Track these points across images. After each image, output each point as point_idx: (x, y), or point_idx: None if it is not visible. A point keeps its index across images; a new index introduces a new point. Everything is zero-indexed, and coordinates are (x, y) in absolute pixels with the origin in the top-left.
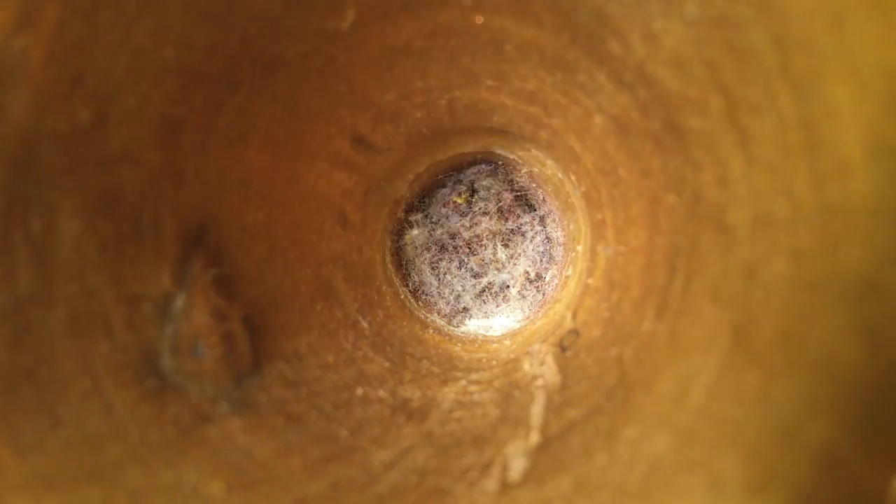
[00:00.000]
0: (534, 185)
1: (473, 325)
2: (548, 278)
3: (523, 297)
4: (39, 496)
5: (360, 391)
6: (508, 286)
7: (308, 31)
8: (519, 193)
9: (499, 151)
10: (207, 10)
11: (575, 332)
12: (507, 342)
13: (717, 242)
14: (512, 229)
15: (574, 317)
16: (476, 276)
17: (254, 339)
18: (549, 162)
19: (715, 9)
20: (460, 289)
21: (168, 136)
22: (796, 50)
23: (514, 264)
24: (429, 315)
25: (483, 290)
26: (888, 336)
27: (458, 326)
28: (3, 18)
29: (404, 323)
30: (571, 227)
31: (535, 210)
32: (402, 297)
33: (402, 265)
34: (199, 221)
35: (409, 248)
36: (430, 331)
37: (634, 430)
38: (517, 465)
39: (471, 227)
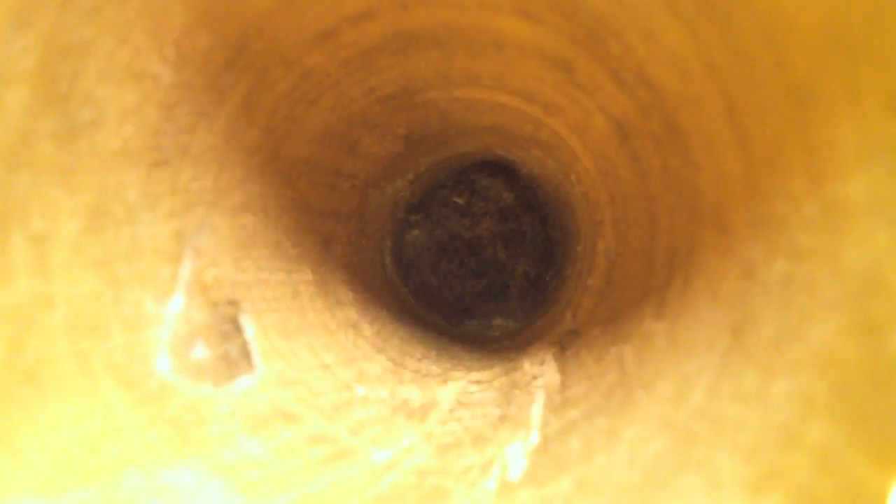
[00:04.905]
0: (533, 186)
1: (473, 325)
2: (548, 278)
3: (523, 297)
4: (39, 497)
5: (360, 391)
6: (508, 286)
7: (304, 34)
8: (519, 193)
9: (498, 151)
10: (207, 11)
11: (575, 332)
12: (507, 342)
13: (717, 242)
14: (512, 229)
15: (574, 317)
16: (476, 276)
17: (253, 339)
18: (549, 162)
19: (714, 9)
20: (460, 289)
21: (166, 136)
22: (795, 49)
23: (514, 264)
24: (429, 315)
25: (483, 290)
26: (888, 336)
27: (458, 326)
28: (2, 17)
29: (404, 323)
30: (571, 227)
31: (535, 210)
32: (402, 296)
33: (403, 265)
34: (198, 220)
35: (409, 248)
36: (431, 331)
37: (634, 430)
38: (517, 465)
39: (471, 227)
